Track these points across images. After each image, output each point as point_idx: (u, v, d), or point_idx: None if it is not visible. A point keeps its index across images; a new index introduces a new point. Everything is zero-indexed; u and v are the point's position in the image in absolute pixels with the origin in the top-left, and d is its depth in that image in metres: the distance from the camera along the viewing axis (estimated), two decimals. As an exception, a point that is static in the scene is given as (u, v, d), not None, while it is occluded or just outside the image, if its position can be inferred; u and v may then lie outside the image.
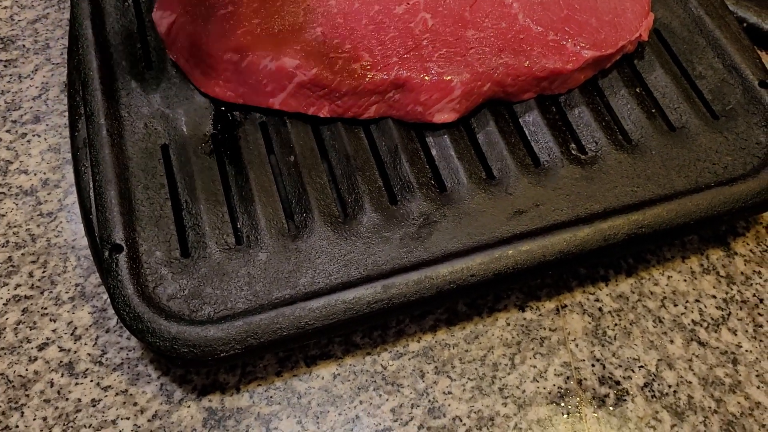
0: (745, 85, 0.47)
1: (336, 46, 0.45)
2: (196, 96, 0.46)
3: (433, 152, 0.45)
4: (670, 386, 0.41)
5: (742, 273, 0.45)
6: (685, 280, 0.45)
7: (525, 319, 0.43)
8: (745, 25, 0.54)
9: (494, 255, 0.40)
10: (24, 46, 0.53)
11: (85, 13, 0.49)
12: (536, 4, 0.47)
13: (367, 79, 0.44)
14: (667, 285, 0.44)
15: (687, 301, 0.44)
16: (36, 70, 0.52)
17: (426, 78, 0.44)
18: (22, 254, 0.45)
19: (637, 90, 0.48)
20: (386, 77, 0.44)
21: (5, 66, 0.52)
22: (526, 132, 0.46)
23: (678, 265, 0.45)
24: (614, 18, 0.47)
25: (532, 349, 0.42)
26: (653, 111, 0.47)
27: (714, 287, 0.44)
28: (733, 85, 0.47)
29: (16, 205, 0.47)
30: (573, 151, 0.45)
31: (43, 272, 0.44)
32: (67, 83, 0.48)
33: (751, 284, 0.44)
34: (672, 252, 0.46)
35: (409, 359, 0.41)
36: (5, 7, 0.55)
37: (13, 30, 0.54)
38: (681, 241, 0.46)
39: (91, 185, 0.43)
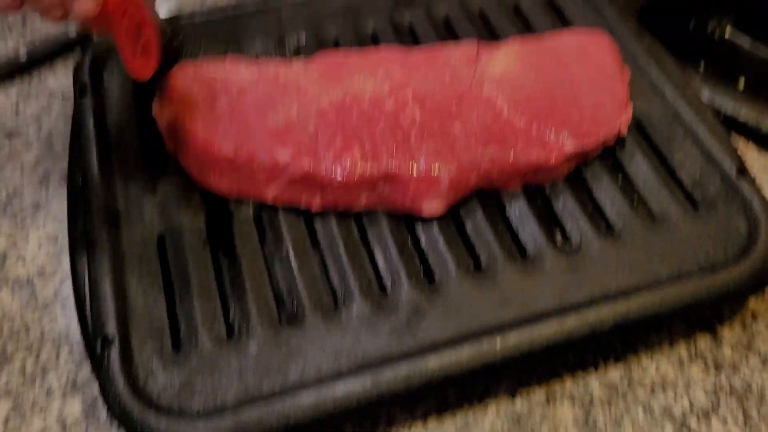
0: (723, 174, 0.48)
1: (328, 141, 0.47)
2: (193, 188, 0.48)
3: (422, 242, 0.46)
4: (662, 478, 0.41)
5: (730, 360, 0.45)
6: (673, 368, 0.45)
7: (515, 408, 0.43)
8: (722, 115, 0.56)
9: (482, 346, 0.41)
10: (28, 137, 0.55)
11: (88, 107, 0.51)
12: (520, 99, 0.49)
13: (357, 173, 0.45)
14: (656, 372, 0.45)
15: (676, 389, 0.44)
16: (38, 160, 0.54)
17: (415, 171, 0.46)
18: (16, 344, 0.45)
19: (619, 180, 0.49)
20: (376, 171, 0.46)
21: (9, 156, 0.54)
22: (513, 221, 0.47)
23: (666, 351, 0.46)
24: (594, 112, 0.49)
25: (523, 439, 0.42)
26: (635, 200, 0.48)
27: (703, 375, 0.45)
28: (712, 174, 0.48)
29: (13, 294, 0.47)
30: (558, 241, 0.46)
31: (36, 362, 0.44)
32: (67, 175, 0.50)
33: (739, 371, 0.45)
34: (660, 338, 0.46)
35: (400, 451, 0.41)
36: (11, 100, 0.58)
37: (17, 122, 0.56)
38: (668, 327, 0.47)
39: (86, 276, 0.44)
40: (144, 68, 0.43)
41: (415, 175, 0.46)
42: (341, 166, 0.46)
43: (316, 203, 0.46)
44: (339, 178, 0.45)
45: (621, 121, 0.49)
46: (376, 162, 0.46)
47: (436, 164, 0.46)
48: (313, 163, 0.46)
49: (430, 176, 0.46)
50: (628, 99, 0.51)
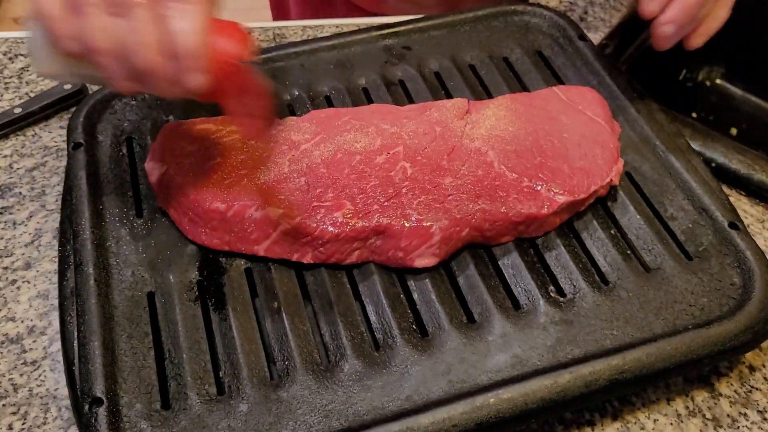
0: (715, 226, 0.48)
1: (319, 195, 0.47)
2: (184, 243, 0.48)
3: (415, 296, 0.46)
4: None
5: (728, 415, 0.44)
6: (671, 424, 0.44)
7: (511, 467, 0.42)
8: (713, 165, 0.56)
9: (475, 404, 0.40)
10: (20, 193, 0.55)
11: (81, 164, 0.52)
12: (510, 152, 0.49)
13: (348, 227, 0.45)
14: (653, 429, 0.44)
15: (675, 446, 0.43)
16: (30, 216, 0.54)
17: (406, 225, 0.46)
18: (3, 405, 0.44)
19: (612, 232, 0.49)
20: (367, 225, 0.46)
21: (1, 213, 0.54)
22: (506, 275, 0.47)
23: (663, 407, 0.45)
24: (585, 164, 0.49)
25: (519, 500, 0.41)
26: (628, 252, 0.48)
27: (701, 431, 0.44)
28: (704, 226, 0.48)
29: (1, 353, 0.47)
30: (552, 294, 0.46)
31: (23, 424, 0.44)
32: (59, 231, 0.50)
33: (738, 427, 0.44)
34: (657, 393, 0.45)
35: None
36: (5, 156, 0.58)
37: (11, 178, 0.56)
38: (665, 381, 0.46)
39: (75, 336, 0.43)
40: (256, 130, 0.45)
41: (407, 229, 0.46)
42: (333, 221, 0.46)
43: (307, 257, 0.46)
44: (330, 232, 0.45)
45: (612, 173, 0.49)
46: (368, 216, 0.46)
47: (428, 218, 0.46)
48: (305, 217, 0.46)
49: (422, 230, 0.46)
50: (619, 150, 0.51)
